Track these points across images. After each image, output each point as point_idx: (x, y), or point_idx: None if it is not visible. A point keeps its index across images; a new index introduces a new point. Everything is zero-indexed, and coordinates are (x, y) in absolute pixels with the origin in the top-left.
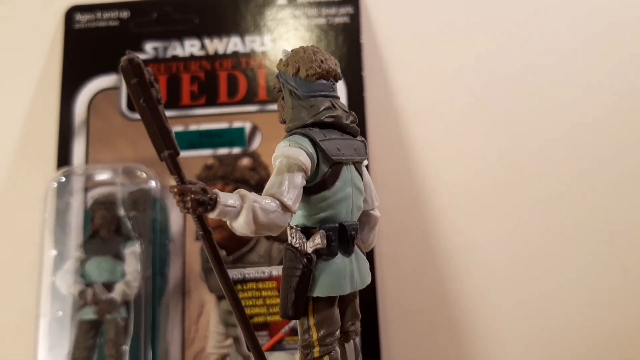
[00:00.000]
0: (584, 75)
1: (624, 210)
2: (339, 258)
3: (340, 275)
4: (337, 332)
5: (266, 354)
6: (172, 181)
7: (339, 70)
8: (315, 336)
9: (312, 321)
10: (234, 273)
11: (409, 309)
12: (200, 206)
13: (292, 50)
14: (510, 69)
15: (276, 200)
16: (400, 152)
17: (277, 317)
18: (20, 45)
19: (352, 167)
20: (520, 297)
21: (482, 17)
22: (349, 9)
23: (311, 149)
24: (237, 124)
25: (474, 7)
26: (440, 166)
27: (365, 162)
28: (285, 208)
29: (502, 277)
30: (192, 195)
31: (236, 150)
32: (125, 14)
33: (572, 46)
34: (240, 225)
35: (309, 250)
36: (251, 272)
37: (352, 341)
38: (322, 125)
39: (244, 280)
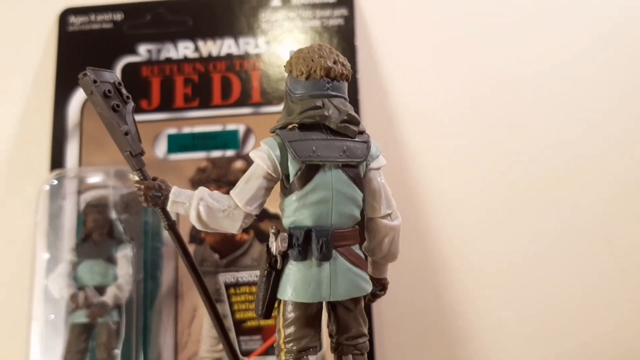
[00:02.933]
0: (585, 78)
1: (626, 217)
2: (307, 264)
3: (305, 282)
4: (306, 341)
5: (260, 358)
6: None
7: (338, 67)
8: (282, 339)
9: (281, 323)
10: (227, 277)
11: (404, 313)
12: (151, 200)
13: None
14: (507, 71)
15: (231, 199)
16: (394, 155)
17: (270, 322)
18: (14, 48)
19: (339, 170)
20: (516, 301)
21: (478, 20)
22: (343, 11)
23: (277, 152)
24: (230, 127)
25: (470, 10)
26: (435, 169)
27: (380, 164)
28: (238, 208)
29: (498, 281)
30: (144, 191)
31: (230, 152)
32: (119, 16)
33: (573, 48)
34: (193, 221)
35: (274, 252)
36: (244, 275)
37: (351, 356)
38: (304, 125)
39: (237, 284)
